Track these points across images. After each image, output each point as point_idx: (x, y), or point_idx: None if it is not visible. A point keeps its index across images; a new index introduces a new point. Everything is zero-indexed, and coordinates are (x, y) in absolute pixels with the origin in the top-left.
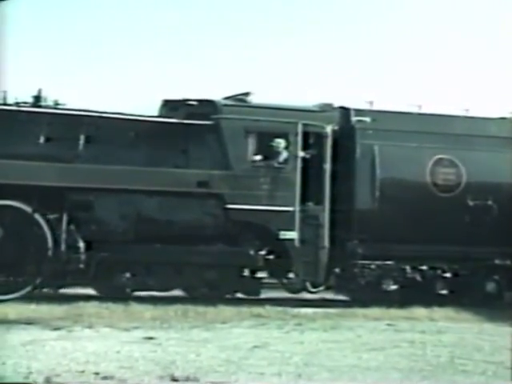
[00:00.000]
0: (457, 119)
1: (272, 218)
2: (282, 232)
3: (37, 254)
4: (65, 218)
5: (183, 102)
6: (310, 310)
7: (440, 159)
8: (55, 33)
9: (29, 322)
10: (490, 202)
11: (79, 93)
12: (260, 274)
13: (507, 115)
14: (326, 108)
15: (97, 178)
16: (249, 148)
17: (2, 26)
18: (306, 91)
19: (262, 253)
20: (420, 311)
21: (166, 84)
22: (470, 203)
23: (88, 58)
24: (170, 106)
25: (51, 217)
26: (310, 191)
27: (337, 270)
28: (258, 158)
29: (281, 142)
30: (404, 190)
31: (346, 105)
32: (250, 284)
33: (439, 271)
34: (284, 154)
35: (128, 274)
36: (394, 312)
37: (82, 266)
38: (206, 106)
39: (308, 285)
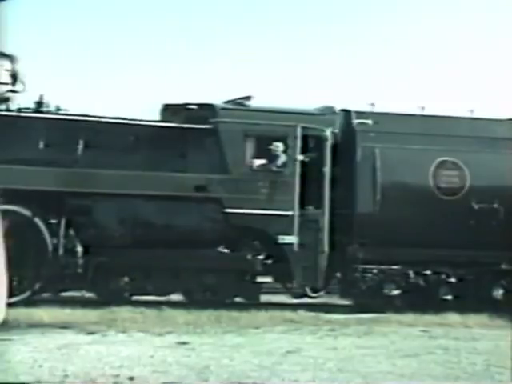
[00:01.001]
0: (460, 121)
1: (271, 222)
2: (281, 236)
3: (37, 259)
4: (63, 222)
5: (183, 106)
6: (342, 316)
7: (443, 161)
8: (55, 33)
9: (64, 326)
10: (495, 205)
11: (79, 94)
12: (262, 279)
13: None
14: (326, 111)
15: (95, 182)
16: (247, 152)
17: (2, 26)
18: (312, 94)
19: (261, 257)
20: (454, 317)
21: (167, 88)
22: (475, 206)
23: (88, 58)
24: (170, 110)
25: (51, 221)
26: (309, 195)
27: (338, 275)
28: (257, 161)
29: (279, 146)
30: (406, 193)
31: (348, 107)
32: (249, 289)
33: (443, 276)
34: (283, 158)
35: (126, 279)
36: (428, 318)
37: (80, 270)
38: (206, 110)
39: (307, 289)
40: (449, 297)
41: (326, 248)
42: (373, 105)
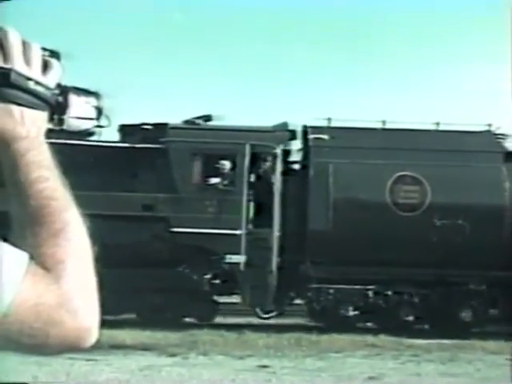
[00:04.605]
0: (422, 134)
1: (218, 241)
2: (228, 256)
3: None
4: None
5: (138, 127)
6: (424, 341)
7: (401, 176)
8: (55, 33)
9: (145, 348)
10: (460, 222)
11: None
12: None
13: (483, 129)
14: (279, 127)
15: None
16: (194, 170)
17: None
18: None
19: (207, 277)
20: None
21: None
22: (437, 223)
23: (89, 59)
24: (125, 130)
25: None
26: (257, 213)
27: (292, 295)
28: (204, 180)
29: (226, 164)
30: (360, 210)
31: (305, 123)
32: (200, 309)
33: (405, 296)
34: (230, 176)
35: None
36: None
37: None
38: (159, 130)
39: (258, 310)
40: (410, 318)
41: (275, 267)
42: (329, 120)
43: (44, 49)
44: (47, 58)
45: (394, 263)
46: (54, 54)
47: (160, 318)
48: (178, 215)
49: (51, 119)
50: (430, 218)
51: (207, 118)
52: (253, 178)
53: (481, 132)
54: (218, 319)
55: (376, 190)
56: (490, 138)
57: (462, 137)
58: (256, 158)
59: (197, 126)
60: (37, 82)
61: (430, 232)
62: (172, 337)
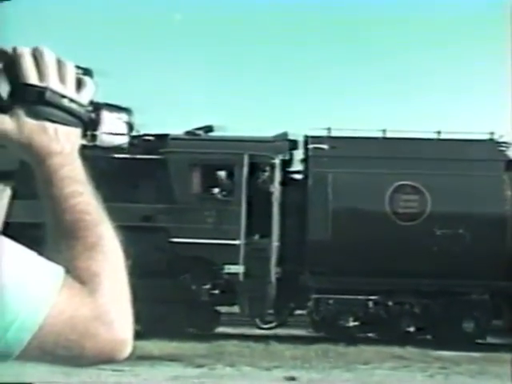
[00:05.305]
0: (423, 143)
1: (217, 251)
2: (227, 266)
3: None
4: None
5: (141, 138)
6: (453, 353)
7: (401, 186)
8: (56, 33)
9: (172, 359)
10: (461, 231)
11: None
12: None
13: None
14: (278, 137)
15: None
16: (193, 181)
17: (2, 26)
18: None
19: (207, 287)
20: None
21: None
22: (437, 232)
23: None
24: (129, 141)
25: None
26: (256, 224)
27: (292, 305)
28: (203, 190)
29: (225, 174)
30: (359, 220)
31: (305, 133)
32: (201, 319)
33: (406, 306)
34: (229, 186)
35: None
36: None
37: None
38: (160, 141)
39: (258, 321)
40: (412, 329)
41: (274, 277)
42: (329, 129)
43: (78, 67)
44: (81, 76)
45: (394, 273)
46: (87, 72)
47: (160, 328)
48: (178, 225)
49: (84, 135)
50: (431, 228)
51: (208, 128)
52: (252, 188)
53: (482, 140)
54: (244, 330)
55: (376, 200)
56: (492, 146)
57: (463, 145)
58: (255, 168)
59: (196, 137)
60: (71, 100)
61: (430, 241)
62: (199, 347)
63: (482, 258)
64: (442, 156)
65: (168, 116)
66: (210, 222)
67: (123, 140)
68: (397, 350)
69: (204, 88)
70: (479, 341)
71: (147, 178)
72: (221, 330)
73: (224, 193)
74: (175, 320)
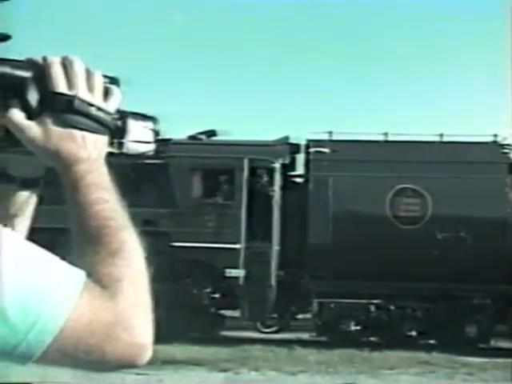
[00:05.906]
0: (425, 146)
1: (217, 255)
2: (228, 270)
3: None
4: None
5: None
6: (479, 359)
7: (402, 189)
8: (56, 33)
9: (196, 363)
10: (462, 234)
11: None
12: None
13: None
14: (280, 141)
15: (54, 218)
16: (194, 185)
17: (2, 26)
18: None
19: (207, 291)
20: None
21: None
22: (439, 236)
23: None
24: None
25: None
26: (256, 227)
27: (293, 309)
28: (204, 195)
29: (225, 178)
30: (360, 223)
31: (307, 137)
32: (203, 323)
33: (408, 310)
34: (229, 190)
35: None
36: None
37: None
38: (162, 145)
39: (259, 325)
40: (414, 333)
41: (274, 281)
42: (330, 133)
43: (105, 76)
44: (108, 85)
45: (394, 277)
46: (114, 81)
47: (162, 332)
48: (179, 230)
49: (111, 143)
50: (432, 231)
51: (211, 133)
52: (252, 192)
53: (484, 143)
54: (268, 334)
55: (376, 203)
56: (494, 148)
57: (465, 148)
58: (255, 172)
59: (197, 141)
60: (98, 108)
61: (431, 245)
62: (223, 352)
63: (485, 261)
64: (443, 159)
65: (169, 120)
66: (210, 226)
67: (149, 148)
68: (422, 355)
69: (205, 92)
70: (482, 345)
71: (148, 183)
72: (245, 334)
73: (224, 197)
74: (176, 324)
